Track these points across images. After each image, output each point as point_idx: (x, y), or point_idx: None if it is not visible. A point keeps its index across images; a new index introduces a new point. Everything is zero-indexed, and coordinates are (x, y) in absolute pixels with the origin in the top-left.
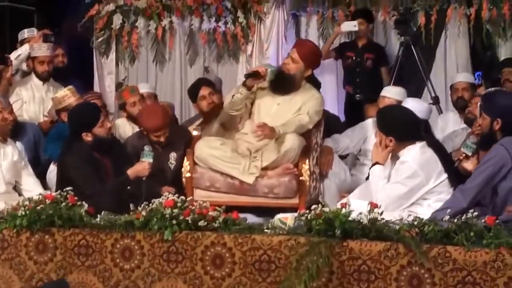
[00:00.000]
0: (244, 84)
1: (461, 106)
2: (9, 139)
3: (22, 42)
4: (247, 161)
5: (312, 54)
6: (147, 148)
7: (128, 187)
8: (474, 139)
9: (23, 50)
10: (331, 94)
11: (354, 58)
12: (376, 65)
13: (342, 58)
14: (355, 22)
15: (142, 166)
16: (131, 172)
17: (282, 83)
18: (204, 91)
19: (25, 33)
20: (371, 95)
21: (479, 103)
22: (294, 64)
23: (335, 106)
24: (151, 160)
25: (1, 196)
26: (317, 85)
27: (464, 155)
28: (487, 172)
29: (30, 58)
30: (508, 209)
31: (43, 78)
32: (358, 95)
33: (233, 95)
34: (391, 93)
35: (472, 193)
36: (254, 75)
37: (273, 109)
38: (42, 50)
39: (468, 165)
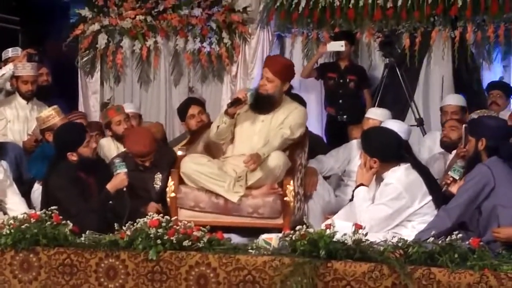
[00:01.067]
0: (226, 112)
1: (444, 144)
2: None
3: (6, 61)
4: (232, 180)
5: (284, 68)
6: (116, 160)
7: (110, 202)
8: (461, 163)
9: (7, 70)
10: (314, 113)
11: (336, 79)
12: (358, 86)
13: (324, 78)
14: (342, 42)
15: (119, 178)
16: (110, 186)
17: (262, 104)
18: (193, 110)
19: (9, 52)
20: (353, 116)
21: (464, 126)
22: (270, 83)
23: (318, 126)
24: (125, 170)
25: None
26: (301, 102)
27: (451, 179)
28: (470, 192)
29: (14, 77)
30: (494, 231)
31: (27, 98)
32: (340, 117)
33: (218, 126)
34: (375, 114)
35: (456, 213)
36: (236, 103)
37: (258, 127)
38: (26, 69)
39: (455, 189)
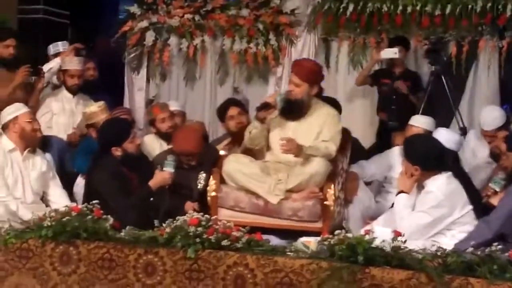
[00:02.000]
0: (256, 117)
1: (494, 155)
2: (38, 150)
3: (56, 55)
4: (272, 182)
5: (311, 72)
6: (170, 157)
7: (151, 199)
8: (502, 175)
9: (55, 63)
10: (368, 118)
11: (390, 85)
12: (412, 92)
13: (378, 84)
14: (395, 49)
15: (163, 176)
16: (152, 182)
17: (292, 110)
18: (232, 111)
19: (59, 46)
20: (405, 122)
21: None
22: (298, 88)
23: (371, 131)
24: (172, 170)
25: (29, 207)
26: (335, 105)
27: (492, 190)
28: (511, 204)
29: (60, 71)
30: None
31: (73, 91)
32: (391, 122)
33: (250, 132)
34: (419, 122)
35: (496, 224)
36: (265, 107)
37: (289, 135)
38: (73, 63)
39: (495, 200)
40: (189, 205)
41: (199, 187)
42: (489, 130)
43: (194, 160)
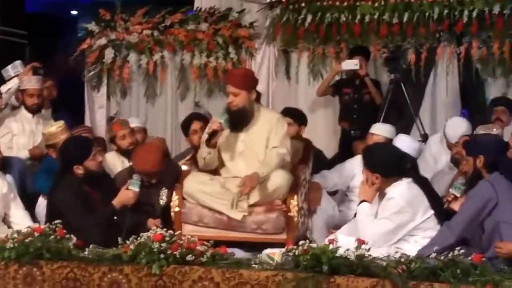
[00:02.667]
0: (208, 146)
1: (456, 162)
2: None
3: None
4: (235, 198)
5: (245, 77)
6: (135, 177)
7: (115, 217)
8: (462, 180)
9: (13, 83)
10: (330, 128)
11: (351, 94)
12: (373, 101)
13: (339, 94)
14: (356, 61)
15: (127, 195)
16: (116, 201)
17: (238, 121)
18: (196, 125)
19: (18, 67)
20: (367, 130)
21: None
22: (238, 97)
23: (334, 141)
24: (137, 190)
25: None
26: (301, 116)
27: (453, 196)
28: (472, 208)
29: (19, 91)
30: (496, 246)
31: (32, 111)
32: (353, 131)
33: (204, 158)
34: (379, 130)
35: (459, 229)
36: (214, 135)
37: (240, 148)
38: (32, 82)
39: (456, 206)
40: (151, 222)
41: (161, 203)
42: (459, 140)
43: (155, 179)
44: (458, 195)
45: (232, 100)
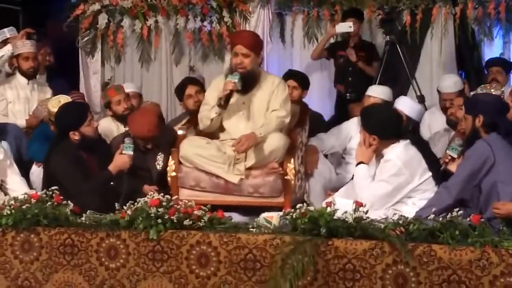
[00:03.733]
0: (219, 106)
1: (451, 123)
2: None
3: (5, 42)
4: (231, 161)
5: (257, 40)
6: (127, 140)
7: (111, 183)
8: (459, 141)
9: (5, 51)
10: (325, 91)
11: (345, 57)
12: (368, 63)
13: (334, 57)
14: (350, 23)
15: (123, 159)
16: (112, 167)
17: (248, 83)
18: (190, 90)
19: (6, 32)
20: (362, 93)
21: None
22: (247, 59)
23: (329, 103)
24: (131, 153)
25: None
26: (304, 78)
27: (450, 157)
28: (470, 168)
29: (14, 56)
30: (494, 207)
31: (28, 75)
32: (349, 94)
33: (212, 119)
34: (376, 92)
35: (456, 189)
36: (229, 98)
37: (241, 110)
38: (26, 46)
39: (453, 167)
40: (147, 188)
41: (158, 168)
42: (449, 93)
43: (151, 143)
44: (455, 156)
45: (242, 61)
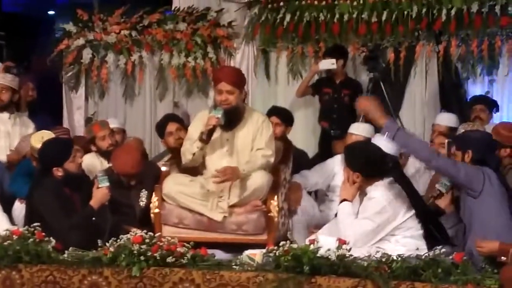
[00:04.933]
0: (201, 140)
1: None
2: None
3: None
4: (215, 199)
5: (239, 76)
6: (99, 174)
7: (93, 218)
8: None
9: None
10: (309, 127)
11: (331, 94)
12: (353, 101)
13: (319, 94)
14: (333, 60)
15: (102, 193)
16: (93, 201)
17: (231, 119)
18: (171, 127)
19: None
20: (346, 130)
21: (447, 141)
22: (232, 96)
23: (313, 140)
24: (107, 184)
25: None
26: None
27: (438, 191)
28: (466, 168)
29: None
30: (477, 245)
31: (2, 108)
32: (333, 131)
33: (193, 153)
34: (358, 130)
35: (443, 160)
36: (212, 132)
37: (224, 147)
38: (4, 79)
39: (442, 202)
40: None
41: (141, 205)
42: (442, 125)
43: (134, 180)
44: (444, 191)
45: (226, 98)
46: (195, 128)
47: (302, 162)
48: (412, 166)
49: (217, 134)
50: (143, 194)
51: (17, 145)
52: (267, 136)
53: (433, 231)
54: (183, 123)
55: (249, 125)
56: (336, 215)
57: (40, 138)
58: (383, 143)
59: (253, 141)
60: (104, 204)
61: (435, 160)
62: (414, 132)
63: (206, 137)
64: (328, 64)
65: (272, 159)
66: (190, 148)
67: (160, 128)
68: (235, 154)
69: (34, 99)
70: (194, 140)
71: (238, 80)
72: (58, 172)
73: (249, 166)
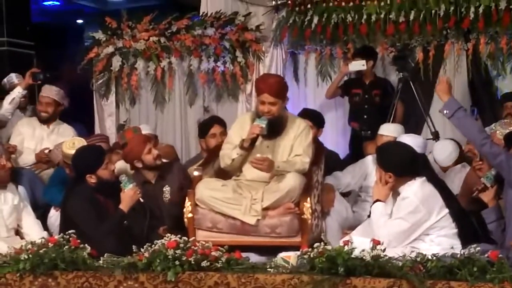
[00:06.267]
0: (242, 147)
1: (467, 160)
2: (9, 184)
3: (12, 87)
4: (248, 202)
5: (282, 86)
6: (122, 177)
7: (125, 222)
8: (495, 171)
9: (16, 93)
10: (340, 128)
11: (361, 95)
12: (383, 100)
13: (349, 95)
14: (363, 61)
15: (129, 195)
16: (122, 205)
17: (275, 129)
18: (216, 129)
19: (13, 77)
20: (377, 131)
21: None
22: (275, 107)
23: (344, 141)
24: (131, 185)
25: (4, 240)
26: (318, 117)
27: (483, 185)
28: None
29: (25, 97)
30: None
31: (42, 120)
32: (364, 131)
33: (233, 159)
34: (388, 130)
35: (487, 141)
36: (255, 141)
37: (265, 154)
38: (51, 92)
39: (485, 196)
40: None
41: (165, 201)
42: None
43: (157, 159)
44: (488, 185)
45: (270, 109)
46: (235, 132)
47: (334, 163)
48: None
49: (258, 141)
50: (166, 189)
51: (50, 153)
52: (306, 143)
53: (470, 227)
54: (226, 128)
55: (290, 133)
56: (369, 215)
57: (71, 144)
58: (408, 142)
59: (292, 146)
60: (135, 207)
61: (487, 146)
62: (443, 130)
63: (248, 145)
64: (358, 65)
65: (307, 166)
66: (230, 153)
67: (204, 128)
68: (275, 159)
69: (65, 108)
70: (234, 144)
71: (281, 90)
72: (91, 179)
73: (284, 165)
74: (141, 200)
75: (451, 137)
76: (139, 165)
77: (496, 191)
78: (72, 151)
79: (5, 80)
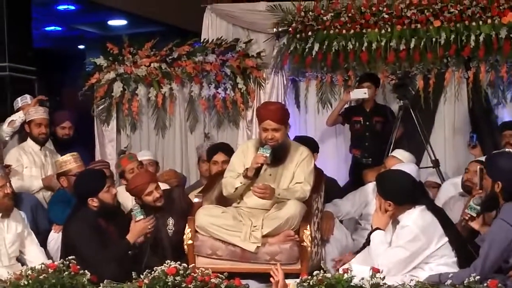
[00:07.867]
0: (246, 177)
1: (467, 189)
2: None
3: (18, 110)
4: (248, 229)
5: (283, 112)
6: (134, 207)
7: (130, 252)
8: (478, 200)
9: (17, 117)
10: (341, 155)
11: (362, 122)
12: (384, 128)
13: (350, 122)
14: (364, 90)
15: (140, 226)
16: (130, 236)
17: (279, 157)
18: (219, 157)
19: (19, 101)
20: (378, 159)
21: (478, 167)
22: (278, 133)
23: (345, 168)
24: (142, 217)
25: (6, 268)
26: (313, 143)
27: (469, 216)
28: (497, 252)
29: (26, 123)
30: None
31: (39, 142)
32: (365, 159)
33: (236, 187)
34: (402, 156)
35: (484, 272)
36: (259, 171)
37: (267, 181)
38: (39, 113)
39: (475, 224)
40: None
41: (169, 233)
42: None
43: (158, 199)
44: (474, 215)
45: (273, 136)
46: (238, 160)
47: (333, 190)
48: (444, 194)
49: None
50: (170, 221)
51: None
52: (308, 170)
53: (469, 255)
54: (231, 156)
55: (291, 159)
56: (369, 243)
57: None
58: (411, 170)
59: (294, 174)
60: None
61: (481, 263)
62: (443, 158)
63: (252, 175)
64: (360, 93)
65: (308, 194)
66: (233, 182)
67: (209, 152)
68: (276, 187)
69: (69, 137)
70: (236, 172)
71: (283, 116)
72: (94, 203)
73: (285, 193)
74: (148, 235)
75: (452, 165)
76: (139, 202)
77: (484, 218)
78: (65, 157)
79: (18, 99)
